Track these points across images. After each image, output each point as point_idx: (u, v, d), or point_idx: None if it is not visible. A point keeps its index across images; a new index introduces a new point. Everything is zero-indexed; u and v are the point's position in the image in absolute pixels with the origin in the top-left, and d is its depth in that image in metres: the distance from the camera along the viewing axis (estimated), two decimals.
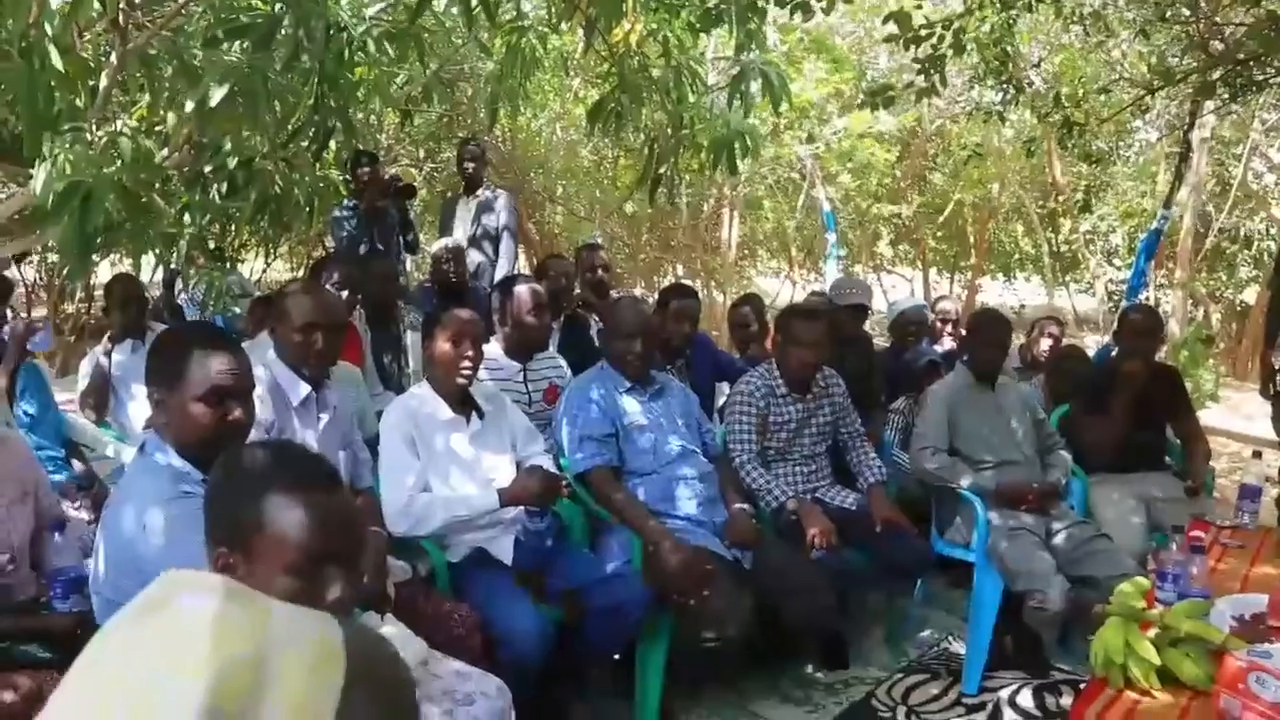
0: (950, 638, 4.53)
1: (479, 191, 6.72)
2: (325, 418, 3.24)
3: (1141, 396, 4.59)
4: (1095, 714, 2.50)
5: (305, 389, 3.19)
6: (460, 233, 6.59)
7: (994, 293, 17.73)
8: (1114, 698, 2.57)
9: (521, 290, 4.17)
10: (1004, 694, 3.95)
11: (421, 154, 11.24)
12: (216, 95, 3.17)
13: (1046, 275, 15.19)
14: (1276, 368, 5.31)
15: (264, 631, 0.75)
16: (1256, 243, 12.77)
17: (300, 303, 3.24)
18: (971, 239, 15.99)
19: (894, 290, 15.83)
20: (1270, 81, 5.56)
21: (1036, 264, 15.99)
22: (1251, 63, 5.21)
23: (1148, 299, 8.35)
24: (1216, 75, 5.54)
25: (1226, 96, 5.84)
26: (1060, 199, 13.35)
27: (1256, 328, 10.98)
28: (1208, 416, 8.52)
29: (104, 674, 0.73)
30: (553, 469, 3.55)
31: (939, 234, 16.00)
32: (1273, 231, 12.47)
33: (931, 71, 5.10)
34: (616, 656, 3.63)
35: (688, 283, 9.00)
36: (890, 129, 11.58)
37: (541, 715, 3.43)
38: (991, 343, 4.43)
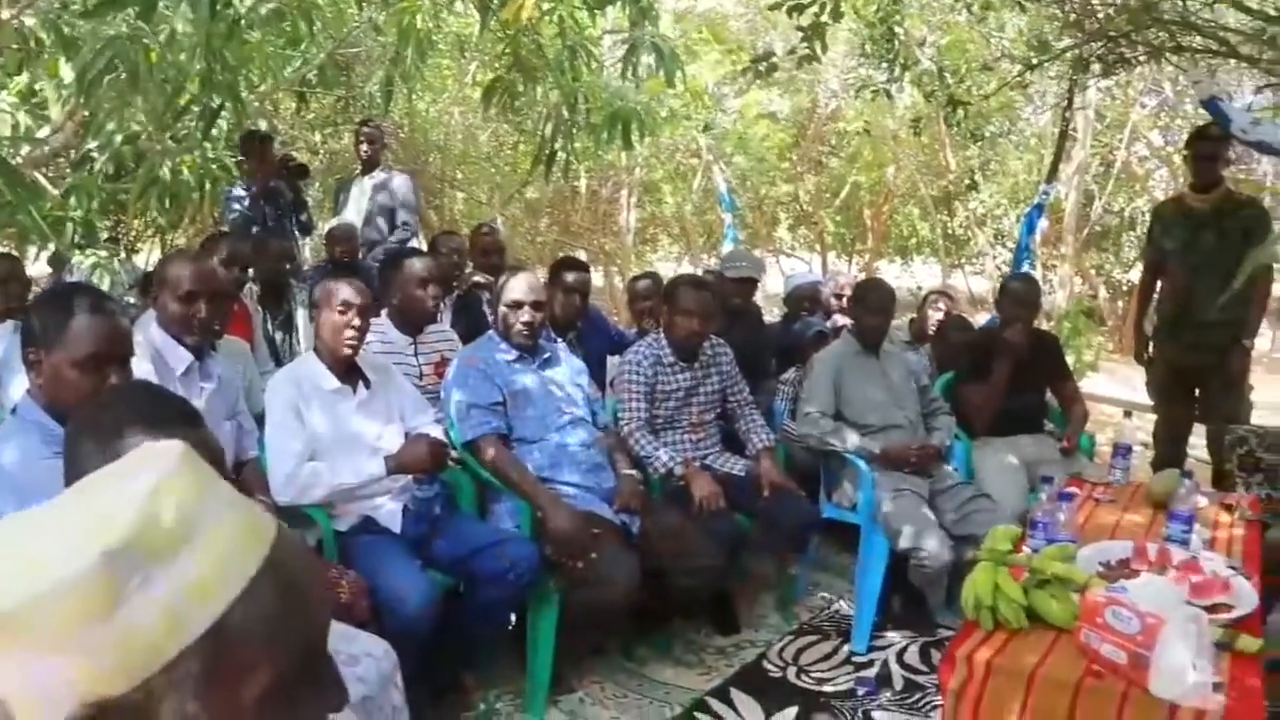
0: (841, 600, 4.63)
1: (375, 172, 6.72)
2: (208, 387, 3.21)
3: (1022, 363, 4.73)
4: (966, 654, 2.59)
5: (188, 358, 3.16)
6: (354, 211, 6.57)
7: (891, 275, 17.97)
8: (985, 638, 2.67)
9: (409, 263, 4.18)
10: (892, 652, 4.08)
11: (319, 138, 11.13)
12: (96, 68, 3.12)
13: (940, 257, 15.47)
14: (1149, 335, 5.51)
15: (208, 489, 0.80)
16: (1140, 224, 13.16)
17: (181, 271, 3.20)
18: (868, 222, 16.23)
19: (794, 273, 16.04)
20: (1138, 58, 5.75)
21: (933, 247, 16.28)
22: (1122, 39, 5.39)
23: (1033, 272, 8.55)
24: (1090, 52, 5.72)
25: (1100, 72, 6.04)
26: (951, 179, 13.63)
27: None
28: (1093, 385, 8.80)
29: (33, 515, 0.79)
30: (442, 438, 3.57)
31: (837, 218, 16.21)
32: None
33: (813, 38, 5.18)
34: (513, 622, 3.67)
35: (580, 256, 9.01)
36: (783, 110, 11.72)
37: (434, 683, 3.47)
38: (874, 309, 4.53)
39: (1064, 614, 2.67)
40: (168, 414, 1.70)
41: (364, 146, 6.78)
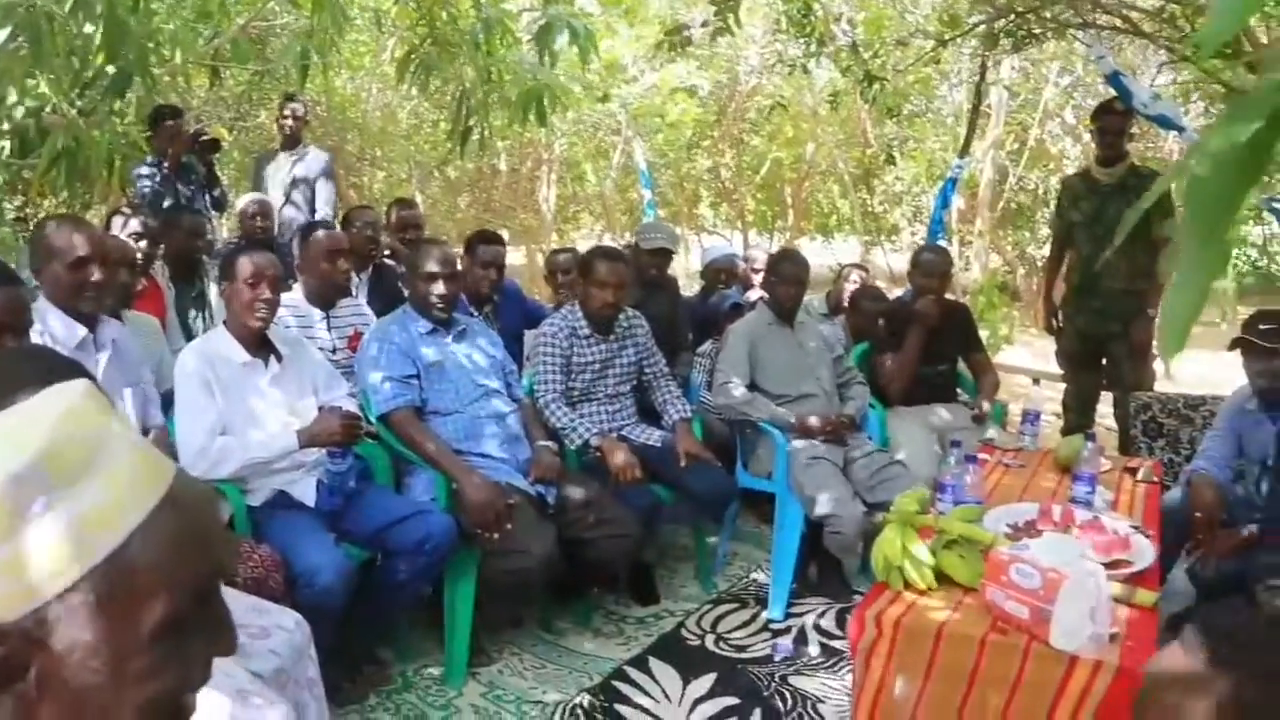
0: (759, 569, 4.68)
1: (296, 149, 6.68)
2: (104, 356, 3.12)
3: (934, 333, 4.80)
4: (874, 615, 2.64)
5: (81, 331, 3.06)
6: (273, 187, 6.51)
7: (813, 253, 18.10)
8: (893, 598, 2.73)
9: (318, 236, 4.14)
10: (809, 618, 4.14)
11: (232, 115, 10.97)
12: None
13: (859, 233, 15.63)
14: (1057, 305, 5.62)
15: (110, 426, 0.81)
16: (1053, 200, 13.36)
17: (69, 237, 3.05)
18: (789, 200, 16.35)
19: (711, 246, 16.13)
20: (1046, 34, 5.86)
21: (853, 224, 16.45)
22: (1030, 15, 5.49)
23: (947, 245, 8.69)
24: (1000, 28, 5.82)
25: (1010, 48, 6.14)
26: (869, 154, 13.77)
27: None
28: (1009, 358, 8.96)
29: None
30: (355, 411, 3.54)
31: (758, 195, 16.32)
32: None
33: (726, 12, 5.21)
34: (430, 595, 3.67)
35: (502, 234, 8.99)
36: (704, 86, 11.76)
37: (352, 658, 3.46)
38: (788, 279, 4.56)
39: (970, 573, 2.74)
40: (61, 375, 1.67)
41: (287, 122, 6.75)
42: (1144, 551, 2.94)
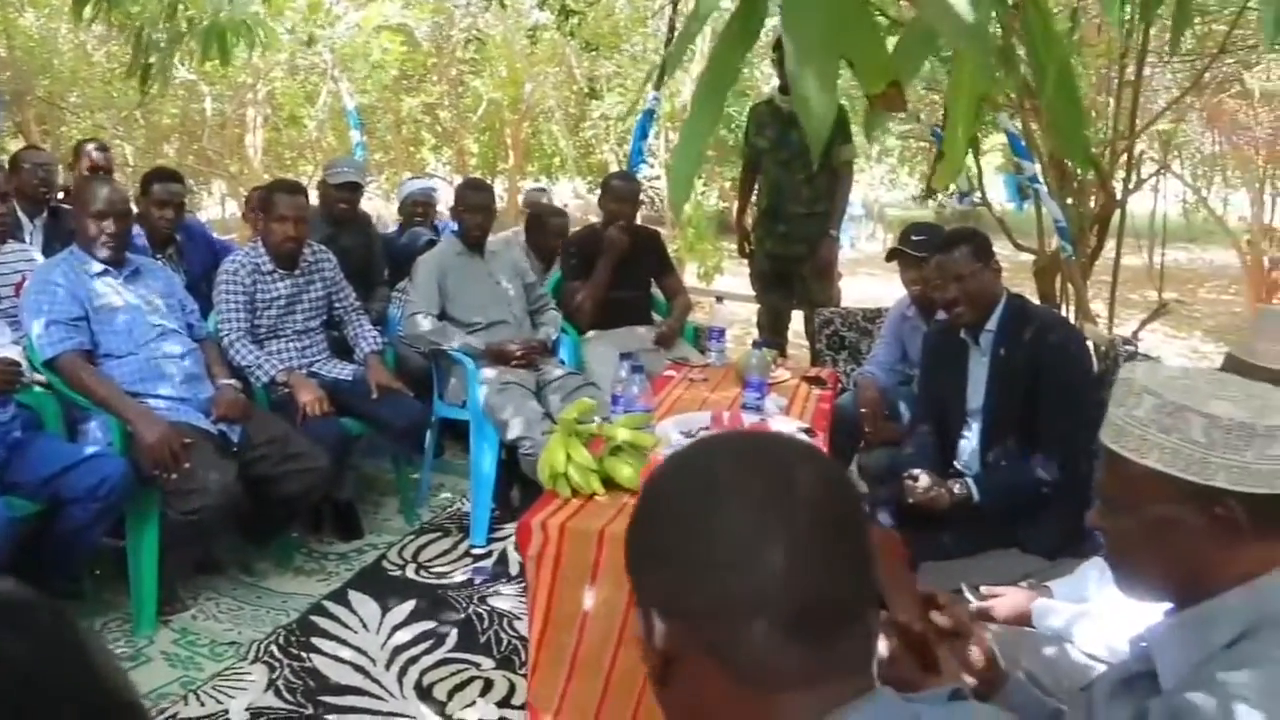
0: (463, 499, 4.72)
1: None
2: None
3: (625, 258, 4.92)
4: (541, 522, 2.70)
5: None
6: None
7: None
8: (561, 505, 2.80)
9: None
10: (510, 542, 4.21)
11: None
12: None
13: (571, 172, 15.76)
14: (749, 229, 5.85)
15: None
16: None
17: None
18: (510, 141, 16.32)
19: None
20: None
21: (575, 164, 16.56)
22: None
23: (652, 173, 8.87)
24: None
25: None
26: (580, 92, 13.86)
27: None
28: (721, 285, 9.24)
29: None
30: (11, 356, 3.36)
31: (481, 138, 16.21)
32: None
33: None
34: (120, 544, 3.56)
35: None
36: (418, 25, 11.57)
37: None
38: (474, 207, 4.60)
39: (634, 477, 2.83)
40: None
41: None
42: None
